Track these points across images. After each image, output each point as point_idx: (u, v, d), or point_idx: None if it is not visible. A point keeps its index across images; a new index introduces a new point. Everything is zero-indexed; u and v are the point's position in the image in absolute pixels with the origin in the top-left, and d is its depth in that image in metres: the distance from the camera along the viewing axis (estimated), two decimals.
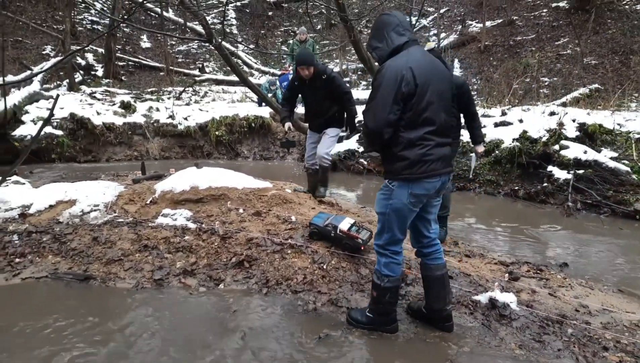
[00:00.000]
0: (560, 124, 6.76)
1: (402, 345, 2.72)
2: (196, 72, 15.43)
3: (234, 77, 14.10)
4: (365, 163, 8.36)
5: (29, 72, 11.56)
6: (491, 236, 5.08)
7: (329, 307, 3.09)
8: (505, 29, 14.82)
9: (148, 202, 4.22)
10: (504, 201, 6.64)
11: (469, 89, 4.19)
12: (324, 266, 3.47)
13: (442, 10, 17.31)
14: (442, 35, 15.71)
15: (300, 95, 4.70)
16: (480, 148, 4.46)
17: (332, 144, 4.67)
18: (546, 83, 11.79)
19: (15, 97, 8.68)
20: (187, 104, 11.32)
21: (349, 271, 3.45)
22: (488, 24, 15.11)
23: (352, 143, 8.76)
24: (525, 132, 6.97)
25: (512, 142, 6.95)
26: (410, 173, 2.49)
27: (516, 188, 6.74)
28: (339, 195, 6.81)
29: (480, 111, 8.34)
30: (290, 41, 11.74)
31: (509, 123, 7.55)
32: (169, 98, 11.52)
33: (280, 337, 2.76)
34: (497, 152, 7.06)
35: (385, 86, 2.42)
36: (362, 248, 3.60)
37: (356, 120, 4.69)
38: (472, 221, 5.64)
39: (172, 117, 10.04)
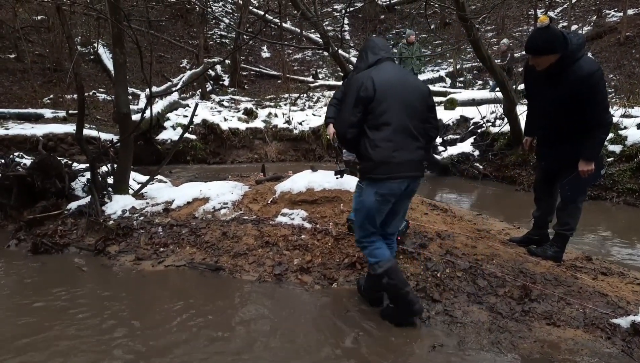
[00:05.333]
0: None
1: None
2: (310, 78, 16.12)
3: None
4: (481, 167, 7.93)
5: (169, 83, 13.18)
6: (632, 252, 4.48)
7: (443, 316, 3.02)
8: None
9: (269, 202, 4.54)
10: None
11: (592, 86, 2.98)
12: (438, 274, 3.40)
13: (573, 0, 15.66)
14: (574, 27, 14.21)
15: None
16: (585, 166, 3.14)
17: None
18: None
19: (158, 106, 9.95)
20: (302, 110, 11.90)
21: (465, 281, 3.32)
22: (630, 12, 13.29)
23: (467, 146, 8.38)
24: None
25: None
26: (375, 173, 2.76)
27: None
28: (452, 200, 6.57)
29: (620, 110, 7.38)
30: (400, 44, 11.69)
31: None
32: (285, 104, 12.23)
33: (392, 343, 2.78)
34: None
35: (349, 93, 2.80)
36: (398, 237, 3.59)
37: None
38: (608, 234, 5.03)
39: (288, 122, 10.67)
